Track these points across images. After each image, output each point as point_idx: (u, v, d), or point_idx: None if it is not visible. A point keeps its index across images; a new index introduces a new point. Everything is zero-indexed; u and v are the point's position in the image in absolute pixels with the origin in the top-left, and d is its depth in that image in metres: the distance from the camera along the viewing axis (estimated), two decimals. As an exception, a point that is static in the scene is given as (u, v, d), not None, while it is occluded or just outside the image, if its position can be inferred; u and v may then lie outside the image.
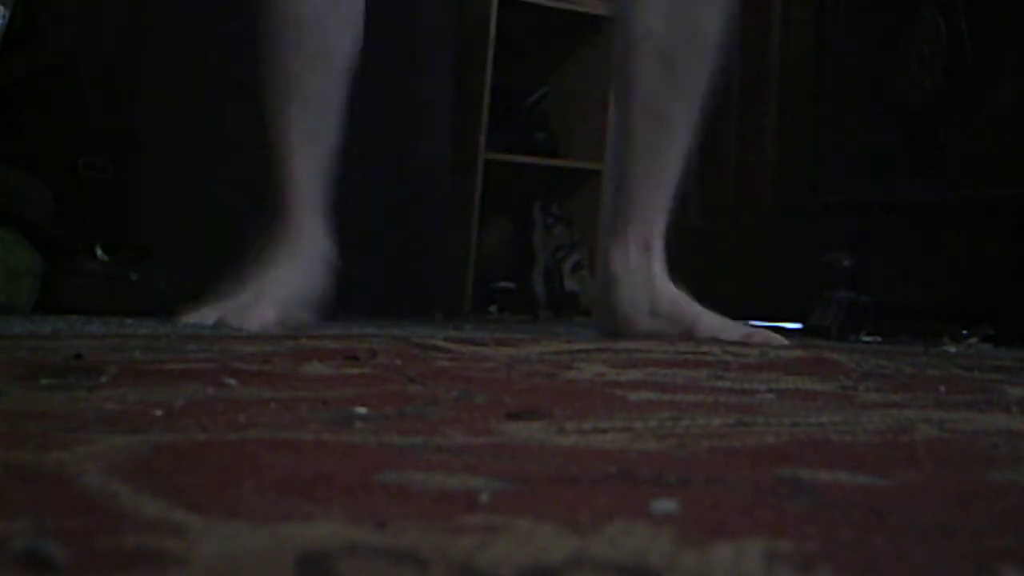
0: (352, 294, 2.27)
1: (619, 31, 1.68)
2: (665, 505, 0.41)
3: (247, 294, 1.51)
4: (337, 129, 1.62)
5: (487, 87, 2.56)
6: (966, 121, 2.05)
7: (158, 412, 0.63)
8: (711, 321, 1.54)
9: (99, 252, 2.06)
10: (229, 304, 1.50)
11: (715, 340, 1.43)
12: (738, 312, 2.55)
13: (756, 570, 0.33)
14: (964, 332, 1.85)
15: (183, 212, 2.17)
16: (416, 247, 2.42)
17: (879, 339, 1.89)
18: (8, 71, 2.09)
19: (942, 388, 0.92)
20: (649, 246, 1.60)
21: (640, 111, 1.63)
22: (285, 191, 1.58)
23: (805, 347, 1.40)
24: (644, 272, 1.59)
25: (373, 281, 2.32)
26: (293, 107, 1.58)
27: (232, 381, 0.79)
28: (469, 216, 2.54)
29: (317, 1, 1.58)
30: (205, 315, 1.50)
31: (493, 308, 2.69)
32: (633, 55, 1.63)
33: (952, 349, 1.66)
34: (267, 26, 1.58)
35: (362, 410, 0.66)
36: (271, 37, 1.58)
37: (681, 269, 2.74)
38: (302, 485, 0.44)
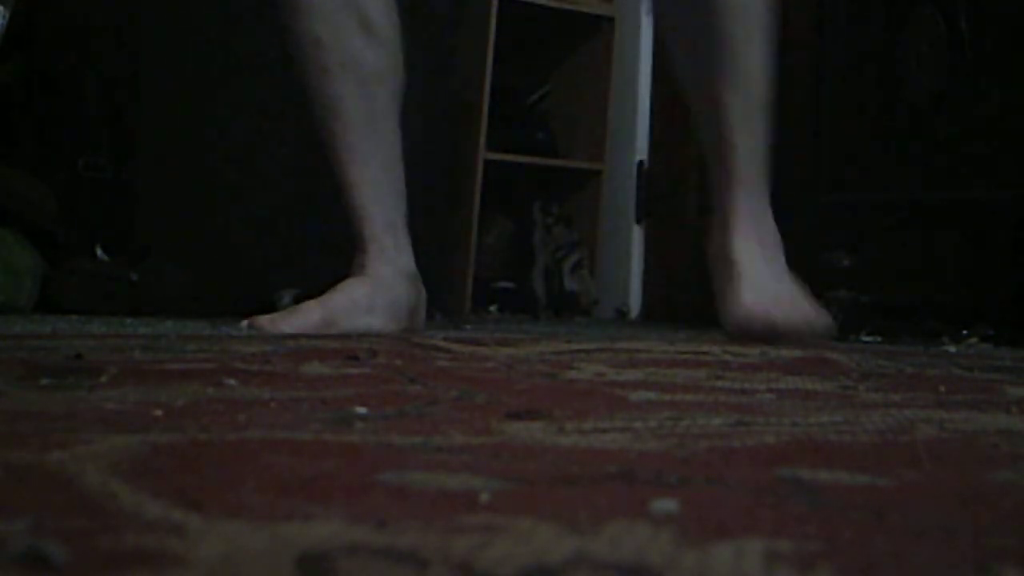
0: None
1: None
2: (665, 505, 0.41)
3: (309, 302, 1.51)
4: (393, 145, 1.60)
5: (487, 87, 2.55)
6: (966, 121, 2.05)
7: (158, 412, 0.63)
8: (745, 296, 1.50)
9: (99, 252, 2.06)
10: (277, 316, 1.50)
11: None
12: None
13: (756, 570, 0.33)
14: (964, 332, 1.85)
15: (183, 212, 2.17)
16: (416, 247, 2.42)
17: (879, 339, 1.89)
18: (8, 71, 2.09)
19: (942, 388, 0.92)
20: (727, 221, 1.58)
21: (687, 91, 1.62)
22: (351, 212, 1.56)
23: (805, 347, 1.40)
24: (722, 250, 1.58)
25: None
26: (335, 128, 1.55)
27: (232, 381, 0.79)
28: (469, 216, 2.54)
29: (339, 21, 1.54)
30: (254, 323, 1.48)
31: (493, 308, 2.69)
32: (663, 36, 1.63)
33: (952, 349, 1.66)
34: (292, 47, 1.55)
35: (362, 410, 0.66)
36: (297, 58, 1.55)
37: (681, 269, 2.75)
38: (302, 485, 0.44)
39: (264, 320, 1.45)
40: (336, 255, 1.79)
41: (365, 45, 1.55)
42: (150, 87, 2.20)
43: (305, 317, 1.45)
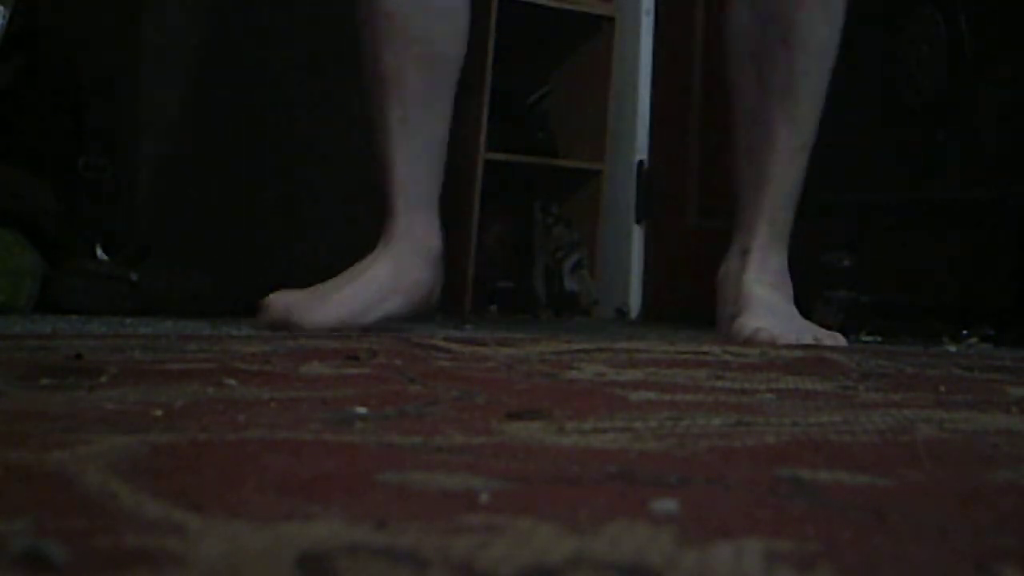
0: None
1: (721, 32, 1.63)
2: (665, 505, 0.41)
3: (331, 284, 1.47)
4: (443, 123, 1.57)
5: (487, 87, 2.55)
6: (966, 121, 2.05)
7: (158, 412, 0.63)
8: (790, 336, 1.46)
9: (99, 252, 2.06)
10: (301, 297, 1.44)
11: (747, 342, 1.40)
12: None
13: (756, 570, 0.33)
14: (964, 332, 1.85)
15: (183, 212, 2.17)
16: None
17: (879, 339, 1.89)
18: (8, 71, 2.10)
19: (942, 388, 0.92)
20: (747, 251, 1.57)
21: (738, 112, 1.60)
22: (386, 187, 1.52)
23: (805, 347, 1.40)
24: (736, 277, 1.57)
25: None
26: (391, 101, 1.52)
27: (232, 381, 0.79)
28: (469, 216, 2.54)
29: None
30: (273, 306, 1.43)
31: (493, 308, 2.69)
32: (727, 55, 1.60)
33: (952, 349, 1.66)
34: (360, 17, 1.52)
35: (362, 410, 0.66)
36: (364, 28, 1.52)
37: (681, 269, 2.75)
38: (302, 485, 0.44)
39: (280, 308, 1.41)
40: (337, 255, 1.79)
41: (436, 23, 1.54)
42: (150, 87, 2.20)
43: (337, 309, 1.43)
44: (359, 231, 2.31)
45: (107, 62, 2.18)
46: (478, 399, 0.74)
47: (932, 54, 2.10)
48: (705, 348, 1.26)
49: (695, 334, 1.78)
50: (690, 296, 2.77)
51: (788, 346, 1.38)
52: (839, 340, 1.50)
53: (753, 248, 1.58)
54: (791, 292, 1.61)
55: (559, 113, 2.89)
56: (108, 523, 0.37)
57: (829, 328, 1.58)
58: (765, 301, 1.53)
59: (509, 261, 2.81)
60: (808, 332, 1.49)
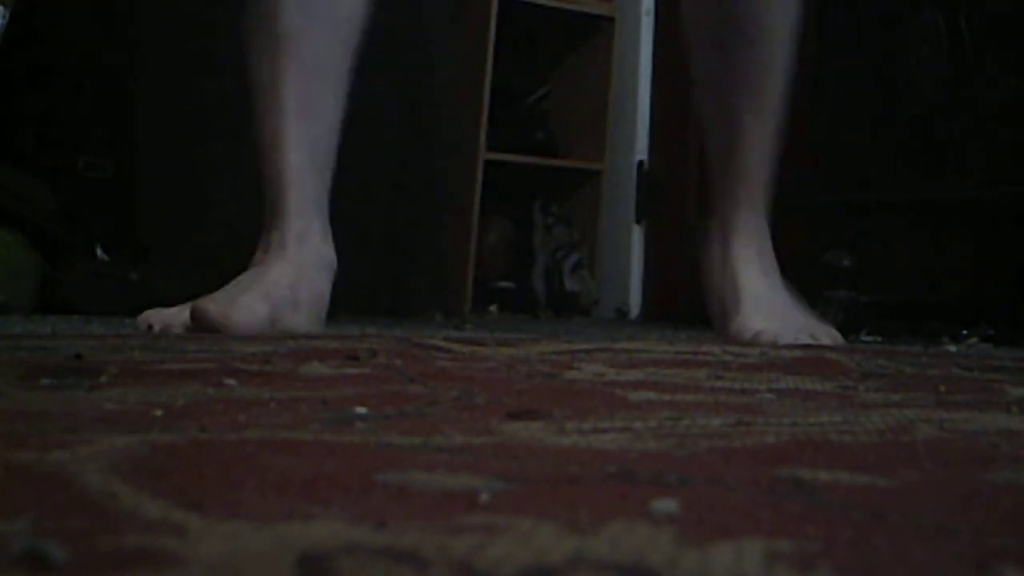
0: (352, 294, 2.27)
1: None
2: (665, 505, 0.41)
3: (232, 289, 1.29)
4: (339, 106, 1.37)
5: (487, 87, 2.56)
6: (966, 121, 2.05)
7: (158, 412, 0.63)
8: (788, 337, 1.38)
9: (99, 252, 2.06)
10: (209, 298, 1.27)
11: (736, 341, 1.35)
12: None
13: (756, 570, 0.33)
14: (964, 332, 1.85)
15: (183, 212, 2.17)
16: (416, 247, 2.42)
17: (879, 339, 1.89)
18: (7, 71, 2.10)
19: (942, 388, 0.92)
20: (728, 238, 1.52)
21: (703, 101, 1.58)
22: (276, 178, 1.32)
23: (805, 347, 1.40)
24: (723, 267, 1.51)
25: (373, 281, 2.32)
26: (286, 68, 1.31)
27: (232, 381, 0.79)
28: (469, 216, 2.54)
29: None
30: (173, 316, 1.28)
31: (493, 308, 2.69)
32: (690, 44, 1.55)
33: (952, 349, 1.66)
34: None
35: (362, 410, 0.66)
36: None
37: (681, 269, 2.75)
38: (302, 485, 0.44)
39: (215, 313, 1.24)
40: (336, 255, 1.78)
41: None
42: (150, 87, 2.20)
43: (255, 314, 1.25)
44: (360, 230, 2.32)
45: (108, 63, 2.18)
46: (478, 399, 0.74)
47: (932, 54, 2.10)
48: (705, 348, 1.26)
49: (695, 334, 1.78)
50: (690, 296, 2.77)
51: (788, 346, 1.37)
52: (834, 334, 1.45)
53: (735, 234, 1.52)
54: (778, 272, 1.54)
55: (559, 113, 2.89)
56: (108, 523, 0.37)
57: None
58: (760, 295, 1.47)
59: (509, 261, 2.81)
60: (805, 328, 1.43)
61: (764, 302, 1.46)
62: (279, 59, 1.32)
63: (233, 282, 1.30)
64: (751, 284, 1.48)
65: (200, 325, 1.23)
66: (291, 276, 1.31)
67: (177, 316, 1.28)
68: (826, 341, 1.40)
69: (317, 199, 1.34)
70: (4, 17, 1.92)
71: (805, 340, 1.39)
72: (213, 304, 1.25)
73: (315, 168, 1.34)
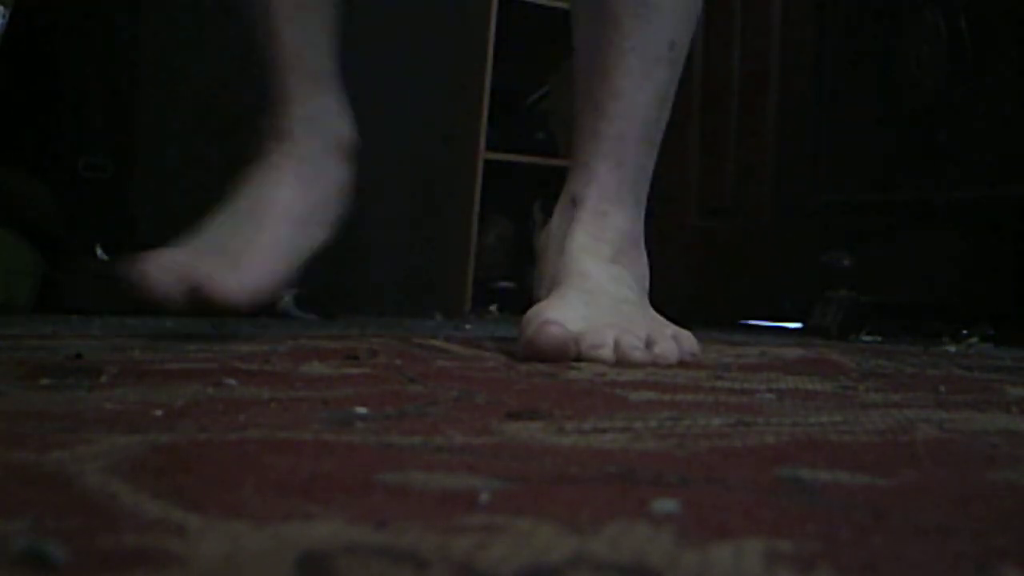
0: (353, 294, 2.27)
1: None
2: (665, 505, 0.41)
3: (224, 244, 1.09)
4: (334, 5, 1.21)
5: (487, 87, 2.56)
6: (966, 121, 2.05)
7: (158, 412, 0.63)
8: (597, 336, 1.05)
9: (99, 252, 2.06)
10: (208, 258, 1.06)
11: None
12: (738, 312, 2.55)
13: (756, 570, 0.33)
14: (964, 332, 1.85)
15: (183, 212, 2.17)
16: (416, 247, 2.42)
17: (879, 339, 1.89)
18: (7, 71, 2.10)
19: (942, 388, 0.92)
20: (578, 201, 1.18)
21: (577, 9, 1.22)
22: (273, 54, 1.17)
23: (805, 347, 1.40)
24: (561, 238, 1.17)
25: (373, 281, 2.32)
26: None
27: (232, 381, 0.79)
28: (469, 216, 2.54)
29: None
30: (171, 284, 1.06)
31: (493, 308, 2.69)
32: (575, 7, 1.25)
33: (952, 349, 1.66)
34: None
35: (362, 410, 0.66)
36: None
37: (682, 269, 2.74)
38: (302, 485, 0.44)
39: (216, 281, 1.03)
40: (337, 254, 1.78)
41: None
42: (150, 87, 2.20)
43: (251, 278, 1.06)
44: (359, 230, 2.32)
45: (108, 63, 2.18)
46: (478, 399, 0.74)
47: (932, 54, 2.10)
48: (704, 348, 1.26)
49: (695, 334, 1.78)
50: (690, 296, 2.77)
51: (689, 359, 1.10)
52: (685, 342, 1.12)
53: (587, 197, 1.18)
54: (642, 271, 1.25)
55: (559, 113, 2.89)
56: (108, 523, 0.37)
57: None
58: (589, 279, 1.13)
59: (509, 261, 2.81)
60: (637, 332, 1.09)
61: (589, 289, 1.13)
62: None
63: (226, 216, 1.10)
64: (584, 264, 1.14)
65: (204, 306, 1.02)
66: (297, 185, 1.14)
67: (177, 287, 1.04)
68: (667, 354, 1.07)
69: (320, 74, 1.18)
70: (4, 17, 1.92)
71: (634, 355, 1.05)
72: (214, 268, 1.03)
73: (313, 40, 1.18)
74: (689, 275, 2.71)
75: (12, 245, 1.96)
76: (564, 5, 2.83)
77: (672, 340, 1.10)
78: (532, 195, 2.83)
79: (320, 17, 1.19)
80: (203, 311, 1.03)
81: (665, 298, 2.89)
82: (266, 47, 1.18)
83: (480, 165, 2.55)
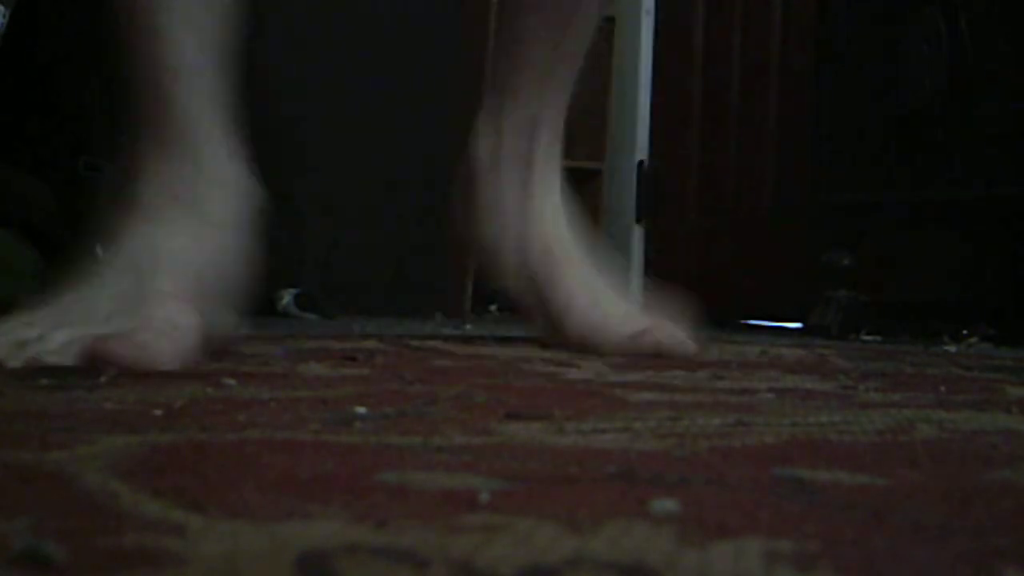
0: (353, 293, 2.27)
1: None
2: (665, 505, 0.41)
3: (122, 299, 0.88)
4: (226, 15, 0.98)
5: (487, 87, 2.55)
6: (966, 121, 2.05)
7: (158, 412, 0.63)
8: (588, 316, 1.06)
9: (99, 252, 2.06)
10: (110, 337, 0.81)
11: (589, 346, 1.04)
12: (738, 312, 2.55)
13: (756, 570, 0.33)
14: (964, 332, 1.85)
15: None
16: (416, 247, 2.42)
17: (879, 339, 1.89)
18: (8, 71, 2.10)
19: (942, 388, 0.92)
20: (535, 127, 1.10)
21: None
22: (162, 92, 0.99)
23: (805, 347, 1.40)
24: (520, 175, 1.09)
25: (373, 281, 2.32)
26: None
27: (232, 381, 0.79)
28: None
29: None
30: (56, 341, 0.83)
31: (493, 308, 2.69)
32: None
33: (952, 349, 1.66)
34: None
35: (362, 410, 0.66)
36: None
37: (682, 269, 2.74)
38: (302, 485, 0.44)
39: (117, 350, 0.80)
40: (336, 254, 1.78)
41: None
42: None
43: (178, 347, 0.84)
44: (360, 231, 2.32)
45: (109, 63, 2.18)
46: (478, 399, 0.74)
47: (932, 54, 2.10)
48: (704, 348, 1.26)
49: (695, 334, 1.78)
50: (690, 296, 2.77)
51: (687, 350, 1.14)
52: (663, 330, 1.11)
53: (538, 149, 1.09)
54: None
55: (559, 113, 2.89)
56: (108, 523, 0.37)
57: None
58: (581, 279, 1.10)
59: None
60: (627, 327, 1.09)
61: (591, 291, 1.11)
62: None
63: (131, 274, 0.90)
64: (569, 256, 1.11)
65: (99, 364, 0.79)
66: (212, 244, 0.94)
67: (64, 346, 0.82)
68: (652, 341, 1.06)
69: (224, 114, 0.96)
70: (4, 17, 1.92)
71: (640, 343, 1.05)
72: (118, 342, 0.81)
73: (214, 75, 0.97)
74: (689, 275, 2.71)
75: (12, 245, 1.96)
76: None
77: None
78: (532, 195, 2.83)
79: (207, 35, 1.00)
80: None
81: (665, 298, 2.88)
82: (144, 49, 1.03)
83: (480, 165, 2.55)
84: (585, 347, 1.10)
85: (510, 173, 1.11)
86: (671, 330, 1.13)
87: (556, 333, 1.13)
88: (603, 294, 1.13)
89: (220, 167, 0.96)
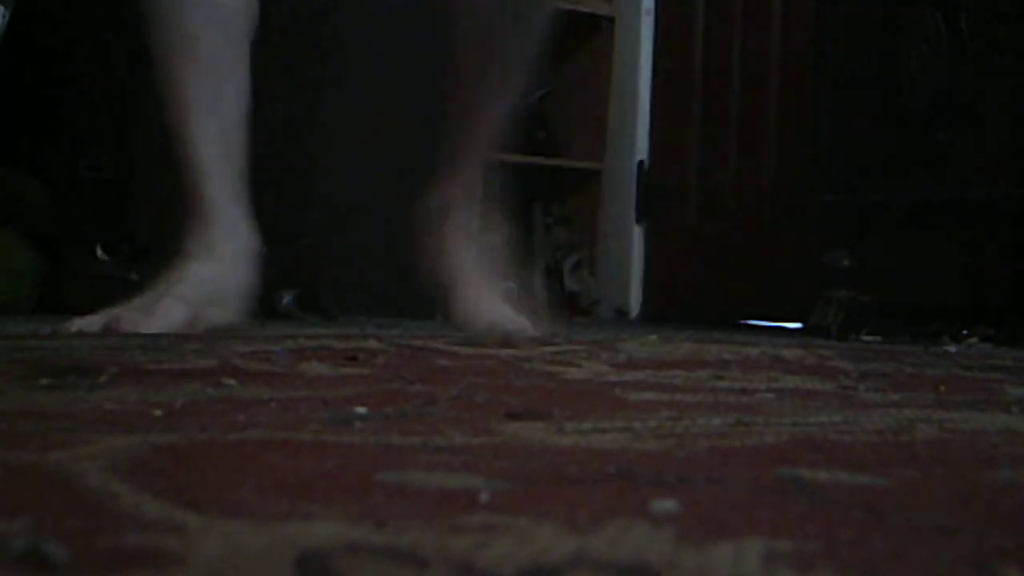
0: (353, 294, 2.27)
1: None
2: (665, 505, 0.41)
3: (151, 293, 1.30)
4: (243, 100, 1.41)
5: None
6: (966, 121, 2.05)
7: (158, 412, 0.63)
8: (466, 305, 1.57)
9: (99, 252, 2.06)
10: (128, 305, 1.28)
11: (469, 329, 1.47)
12: (738, 312, 2.55)
13: (756, 570, 0.33)
14: (964, 332, 1.85)
15: (183, 212, 2.17)
16: (417, 247, 2.41)
17: (879, 339, 1.89)
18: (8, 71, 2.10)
19: (942, 388, 0.92)
20: (455, 191, 1.67)
21: (465, 71, 1.70)
22: (190, 174, 1.37)
23: (805, 347, 1.40)
24: (443, 223, 1.65)
25: (373, 281, 2.32)
26: (186, 68, 1.37)
27: (232, 381, 0.79)
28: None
29: None
30: (92, 321, 1.28)
31: (493, 308, 2.69)
32: (461, 29, 1.70)
33: (952, 349, 1.66)
34: None
35: (362, 410, 0.66)
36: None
37: (681, 269, 2.75)
38: (302, 485, 0.44)
39: (126, 319, 1.25)
40: (335, 254, 1.79)
41: None
42: (150, 87, 2.20)
43: (170, 315, 1.26)
44: (360, 231, 2.32)
45: (108, 63, 2.18)
46: (478, 399, 0.74)
47: (932, 54, 2.10)
48: (705, 348, 1.25)
49: (695, 334, 1.78)
50: (690, 296, 2.77)
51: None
52: (514, 324, 1.50)
53: (456, 204, 1.66)
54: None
55: (559, 113, 2.89)
56: (108, 523, 0.37)
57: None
58: (470, 288, 1.61)
59: (509, 261, 2.81)
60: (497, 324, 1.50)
61: (486, 297, 1.61)
62: (178, 60, 1.37)
63: (159, 282, 1.33)
64: (475, 277, 1.64)
65: (115, 333, 1.23)
66: (214, 271, 1.34)
67: (94, 323, 1.28)
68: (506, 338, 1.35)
69: (233, 188, 1.39)
70: (4, 17, 1.92)
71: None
72: (128, 312, 1.26)
73: (227, 160, 1.39)
74: (689, 275, 2.71)
75: (12, 245, 1.96)
76: (564, 5, 2.83)
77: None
78: (532, 195, 2.83)
79: (233, 137, 1.41)
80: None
81: (665, 298, 2.88)
82: (184, 160, 1.40)
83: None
84: (465, 331, 1.49)
85: (439, 222, 1.67)
86: (521, 325, 1.50)
87: (451, 320, 1.61)
88: (485, 298, 1.60)
89: (230, 227, 1.39)
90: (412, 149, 2.39)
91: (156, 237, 2.13)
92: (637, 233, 2.84)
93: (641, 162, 2.84)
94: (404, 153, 2.38)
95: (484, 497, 0.42)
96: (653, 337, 1.53)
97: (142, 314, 1.25)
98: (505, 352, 1.15)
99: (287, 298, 1.99)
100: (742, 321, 2.50)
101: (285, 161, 2.18)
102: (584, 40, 2.87)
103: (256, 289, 1.38)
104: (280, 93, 2.18)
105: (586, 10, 2.82)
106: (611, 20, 2.85)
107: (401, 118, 2.36)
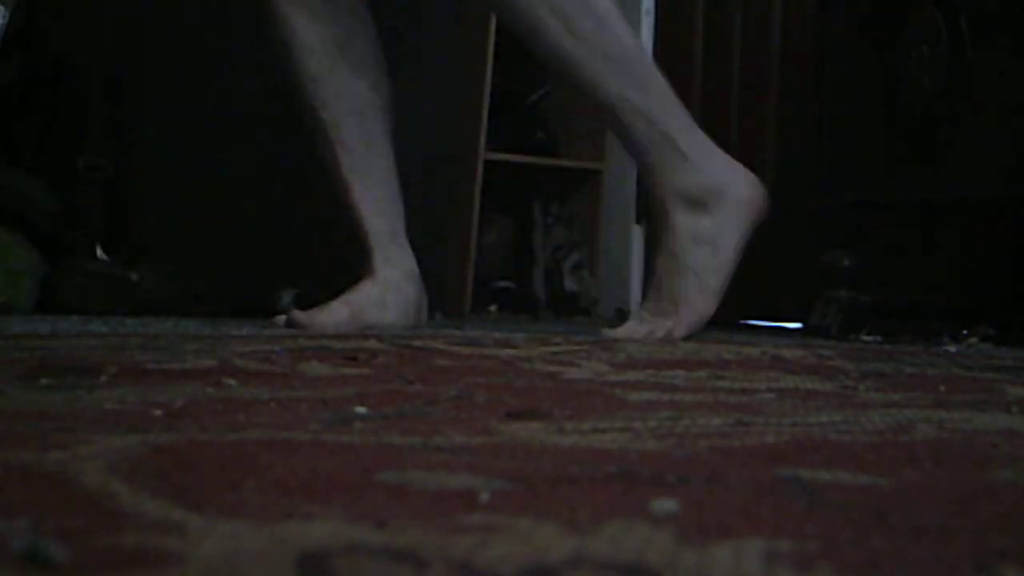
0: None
1: None
2: (665, 505, 0.41)
3: (331, 303, 1.63)
4: (389, 163, 1.73)
5: (487, 87, 2.55)
6: (966, 121, 2.05)
7: (158, 412, 0.63)
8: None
9: (99, 252, 2.06)
10: (306, 312, 1.62)
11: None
12: (738, 312, 2.55)
13: (756, 570, 0.33)
14: (964, 332, 1.85)
15: (182, 212, 2.17)
16: (416, 247, 2.42)
17: (879, 339, 1.89)
18: (9, 70, 2.10)
19: (942, 388, 0.92)
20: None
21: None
22: (357, 230, 1.71)
23: (805, 347, 1.40)
24: (669, 249, 1.71)
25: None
26: (336, 150, 1.69)
27: (232, 381, 0.79)
28: (469, 216, 2.54)
29: (327, 57, 1.67)
30: (289, 316, 1.62)
31: (493, 308, 2.69)
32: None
33: (952, 349, 1.66)
34: (294, 84, 1.69)
35: (362, 410, 0.66)
36: (298, 93, 1.69)
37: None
38: (302, 485, 0.44)
39: (302, 317, 1.58)
40: (335, 255, 1.79)
41: (353, 77, 1.69)
42: (150, 87, 2.20)
43: (335, 314, 1.60)
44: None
45: (107, 62, 2.18)
46: (478, 399, 0.74)
47: (932, 54, 2.10)
48: (705, 348, 1.25)
49: (695, 334, 1.78)
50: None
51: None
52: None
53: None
54: None
55: (559, 113, 2.89)
56: (108, 523, 0.37)
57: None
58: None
59: (509, 261, 2.81)
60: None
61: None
62: (329, 143, 1.69)
63: (341, 297, 1.66)
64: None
65: (293, 327, 1.57)
66: (379, 286, 1.68)
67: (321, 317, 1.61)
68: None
69: (391, 230, 1.73)
70: (4, 17, 1.92)
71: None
72: (304, 313, 1.60)
73: (384, 210, 1.73)
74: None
75: (12, 245, 1.96)
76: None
77: None
78: (532, 195, 2.82)
79: (386, 192, 1.73)
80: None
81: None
82: (351, 217, 1.70)
83: (480, 165, 2.55)
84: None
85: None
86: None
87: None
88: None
89: (386, 258, 1.71)
90: (412, 150, 2.39)
91: (156, 237, 2.14)
92: (637, 233, 2.84)
93: (641, 162, 2.84)
94: (404, 153, 2.38)
95: (484, 497, 0.42)
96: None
97: (312, 313, 1.60)
98: (505, 352, 1.16)
99: (286, 298, 1.99)
100: (742, 321, 2.50)
101: (284, 165, 2.18)
102: (584, 40, 2.87)
103: (417, 302, 1.73)
104: (276, 91, 2.18)
105: (586, 10, 2.82)
106: (611, 20, 2.84)
107: (402, 118, 2.36)
